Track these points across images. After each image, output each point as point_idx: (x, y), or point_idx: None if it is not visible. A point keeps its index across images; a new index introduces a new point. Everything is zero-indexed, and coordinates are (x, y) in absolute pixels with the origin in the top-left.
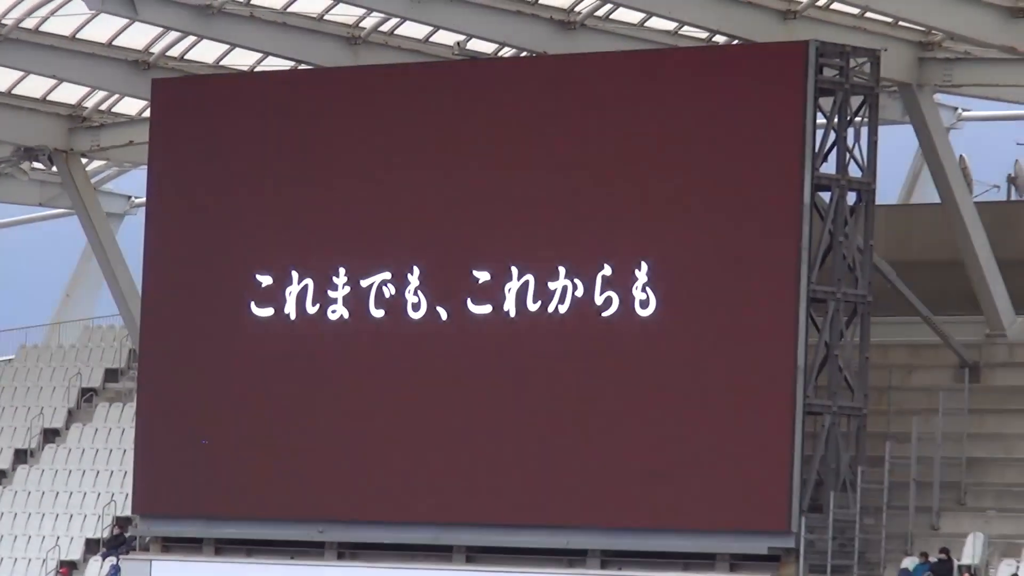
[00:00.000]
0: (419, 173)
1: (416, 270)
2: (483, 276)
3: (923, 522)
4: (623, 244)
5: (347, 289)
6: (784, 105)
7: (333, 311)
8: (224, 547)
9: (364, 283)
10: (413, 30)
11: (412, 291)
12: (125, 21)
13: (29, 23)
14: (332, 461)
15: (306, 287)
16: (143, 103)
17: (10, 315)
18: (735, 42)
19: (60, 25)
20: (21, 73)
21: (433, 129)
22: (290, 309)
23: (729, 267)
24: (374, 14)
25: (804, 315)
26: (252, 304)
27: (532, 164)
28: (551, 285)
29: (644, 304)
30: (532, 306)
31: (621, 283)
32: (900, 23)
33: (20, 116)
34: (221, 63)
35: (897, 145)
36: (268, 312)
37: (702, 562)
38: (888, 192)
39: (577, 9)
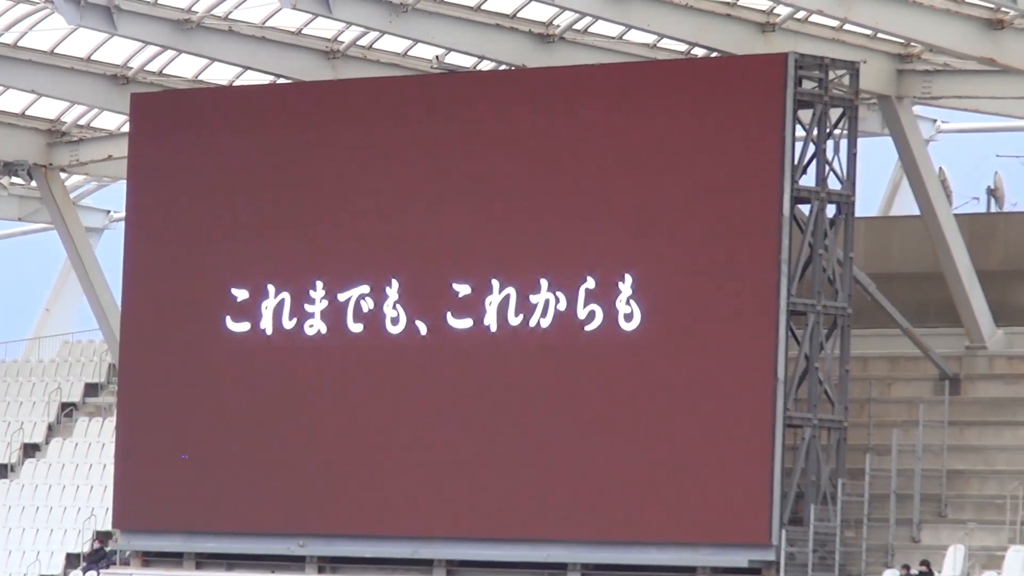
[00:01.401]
0: (397, 186)
1: (395, 283)
2: (463, 289)
3: (904, 535)
4: (606, 257)
5: (324, 303)
6: (763, 117)
7: (310, 325)
8: (205, 561)
9: (342, 297)
10: (392, 44)
11: (391, 305)
12: (104, 36)
13: (8, 38)
14: (312, 475)
15: (283, 301)
16: (122, 118)
17: None
18: (714, 55)
19: (39, 40)
20: (0, 88)
21: (412, 142)
22: (266, 324)
23: (709, 280)
24: (352, 28)
25: (784, 327)
26: (228, 319)
27: (512, 177)
28: (533, 298)
29: (628, 317)
30: (513, 320)
31: (604, 296)
32: (879, 35)
33: None
34: (200, 77)
35: (876, 157)
36: (244, 327)
37: (682, 575)
38: (867, 204)
39: (556, 22)
